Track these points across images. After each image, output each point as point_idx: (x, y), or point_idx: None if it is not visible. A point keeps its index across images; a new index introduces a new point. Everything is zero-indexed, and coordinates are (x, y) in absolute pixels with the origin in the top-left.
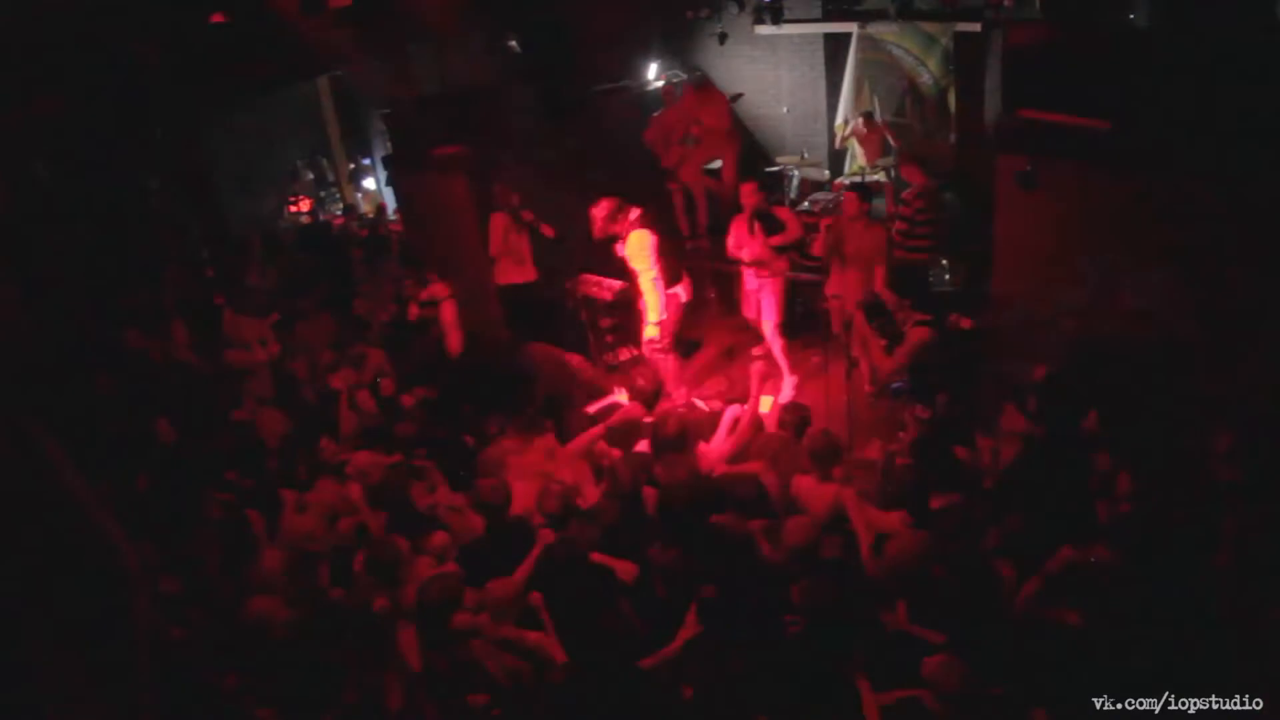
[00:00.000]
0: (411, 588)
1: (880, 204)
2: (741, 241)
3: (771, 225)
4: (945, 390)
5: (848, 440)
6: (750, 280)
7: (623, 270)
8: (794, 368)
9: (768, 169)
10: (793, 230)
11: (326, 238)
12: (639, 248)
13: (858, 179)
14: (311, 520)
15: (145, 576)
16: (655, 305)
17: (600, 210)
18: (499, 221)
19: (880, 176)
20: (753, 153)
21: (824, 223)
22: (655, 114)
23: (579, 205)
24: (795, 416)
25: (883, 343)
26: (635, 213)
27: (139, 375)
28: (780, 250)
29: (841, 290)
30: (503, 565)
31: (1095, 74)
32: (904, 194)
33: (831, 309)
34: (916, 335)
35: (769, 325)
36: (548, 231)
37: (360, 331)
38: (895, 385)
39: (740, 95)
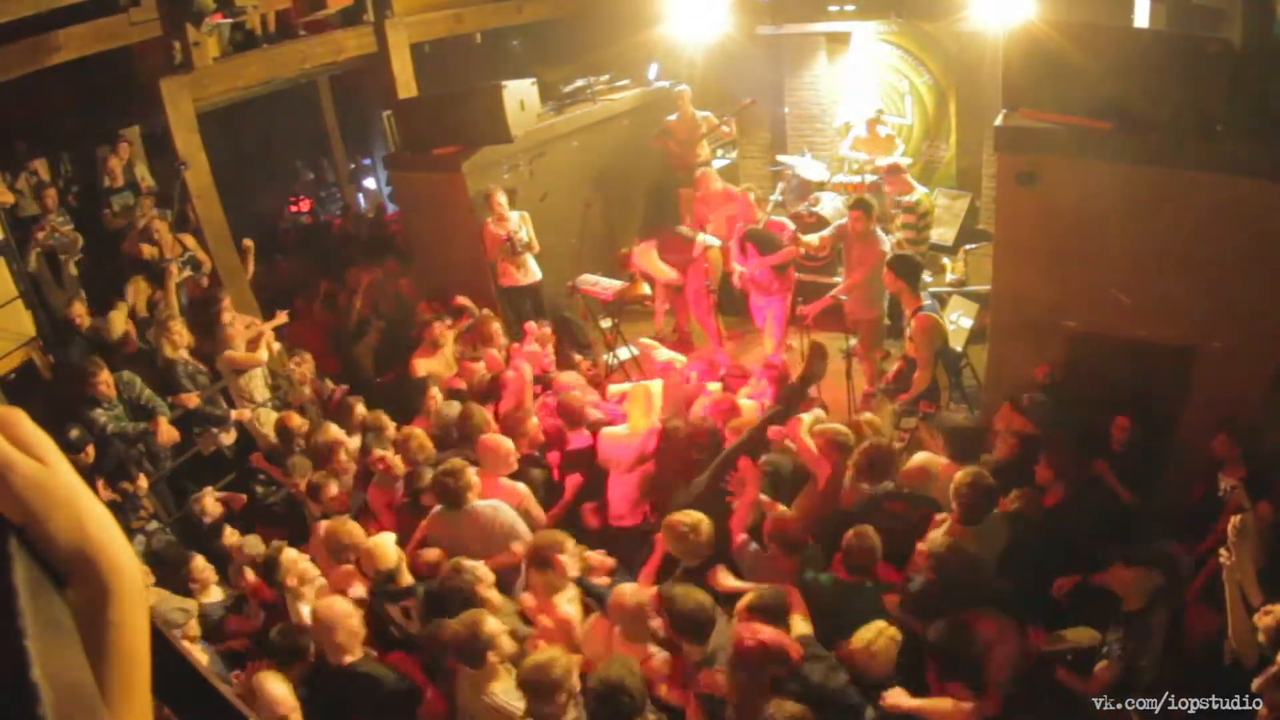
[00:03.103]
0: None
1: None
2: (740, 263)
3: (768, 244)
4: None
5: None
6: (757, 297)
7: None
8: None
9: (769, 168)
10: (789, 250)
11: (326, 237)
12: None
13: (857, 179)
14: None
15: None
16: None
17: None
18: (487, 228)
19: (879, 177)
20: (753, 154)
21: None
22: (669, 119)
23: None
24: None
25: (903, 365)
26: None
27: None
28: (780, 269)
29: (849, 292)
30: None
31: (1095, 74)
32: (904, 202)
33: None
34: (920, 324)
35: (771, 341)
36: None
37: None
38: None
39: (752, 103)
